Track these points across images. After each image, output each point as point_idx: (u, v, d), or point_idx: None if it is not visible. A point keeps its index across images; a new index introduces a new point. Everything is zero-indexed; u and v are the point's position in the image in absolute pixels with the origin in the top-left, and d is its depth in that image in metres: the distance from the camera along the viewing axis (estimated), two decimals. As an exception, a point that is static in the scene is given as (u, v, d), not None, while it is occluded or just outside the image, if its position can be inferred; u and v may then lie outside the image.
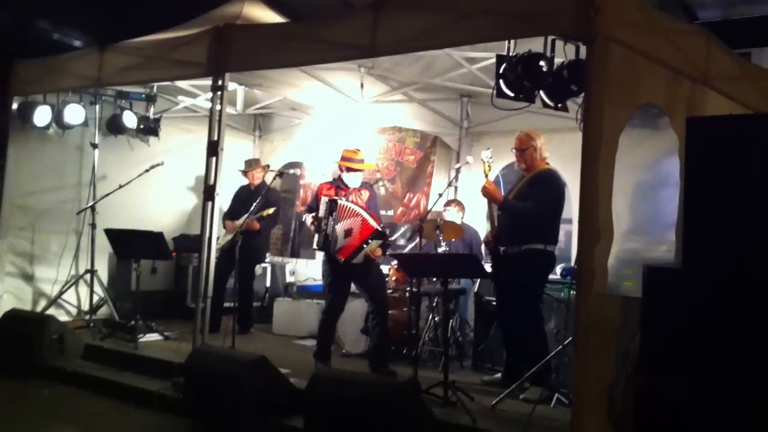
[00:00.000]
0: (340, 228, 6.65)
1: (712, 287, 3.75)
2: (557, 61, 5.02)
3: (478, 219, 8.20)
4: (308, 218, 6.91)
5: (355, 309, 7.43)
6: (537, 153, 6.28)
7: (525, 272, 6.11)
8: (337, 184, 6.92)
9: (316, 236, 6.78)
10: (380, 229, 6.72)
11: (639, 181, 5.16)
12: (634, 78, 4.63)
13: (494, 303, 6.83)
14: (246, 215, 7.75)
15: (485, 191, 6.17)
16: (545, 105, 5.19)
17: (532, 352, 6.01)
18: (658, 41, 4.85)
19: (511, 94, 5.13)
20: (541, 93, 5.10)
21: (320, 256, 9.05)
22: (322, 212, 6.73)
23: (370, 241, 6.63)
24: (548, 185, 6.23)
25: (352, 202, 6.75)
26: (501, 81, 5.12)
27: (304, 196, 10.16)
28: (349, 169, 6.87)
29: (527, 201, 6.13)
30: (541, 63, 4.96)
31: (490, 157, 6.28)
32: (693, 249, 3.91)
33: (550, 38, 4.99)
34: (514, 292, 6.17)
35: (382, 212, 9.06)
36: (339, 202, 6.70)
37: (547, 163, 6.36)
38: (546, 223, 6.18)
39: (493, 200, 6.20)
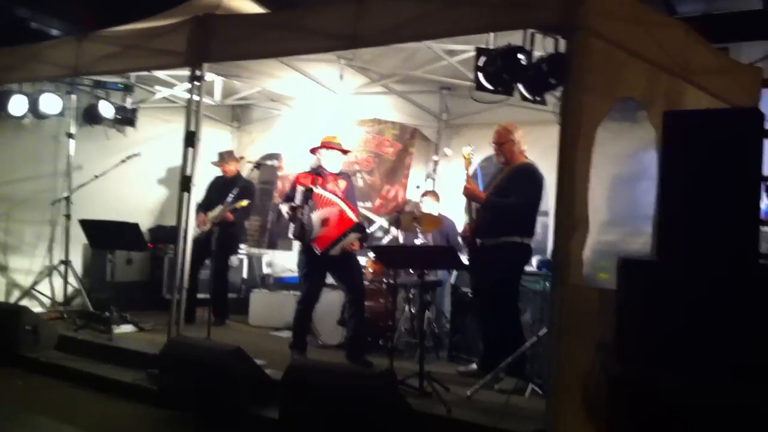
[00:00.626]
0: (316, 217, 6.62)
1: (686, 279, 3.78)
2: (536, 54, 5.03)
3: (455, 210, 8.22)
4: (284, 207, 6.88)
5: (332, 300, 7.42)
6: (515, 146, 6.31)
7: (503, 265, 6.13)
8: (316, 172, 6.90)
9: (292, 225, 6.76)
10: (359, 223, 6.71)
11: (617, 174, 5.20)
12: (613, 71, 4.66)
13: (470, 294, 6.85)
14: (220, 207, 7.71)
15: (467, 191, 6.20)
16: (524, 98, 5.19)
17: (508, 343, 6.04)
18: (638, 34, 4.88)
19: (491, 87, 5.14)
20: (520, 86, 5.10)
21: (297, 247, 9.06)
22: (297, 201, 6.71)
23: (348, 234, 6.62)
24: (529, 179, 6.26)
25: (329, 191, 6.74)
26: (480, 74, 5.12)
27: (282, 187, 10.12)
28: (329, 147, 6.85)
29: (509, 195, 6.14)
30: (520, 56, 4.98)
31: (471, 153, 6.30)
32: (667, 241, 3.95)
33: (529, 32, 5.00)
34: (491, 283, 6.18)
35: (360, 203, 9.05)
36: (315, 190, 6.68)
37: (526, 157, 6.38)
38: (525, 216, 6.22)
39: (476, 200, 6.22)
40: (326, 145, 6.87)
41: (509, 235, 6.13)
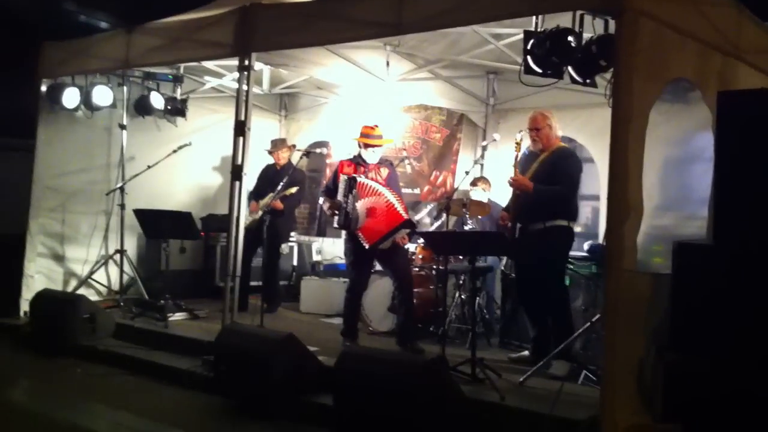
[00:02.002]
0: (360, 206, 6.64)
1: (743, 264, 3.71)
2: (586, 36, 4.96)
3: (503, 196, 8.15)
4: (325, 204, 6.94)
5: (382, 287, 7.45)
6: (552, 131, 6.28)
7: (550, 249, 6.10)
8: (357, 161, 6.93)
9: (336, 215, 6.79)
10: (409, 220, 6.72)
11: (670, 157, 5.11)
12: (664, 52, 4.56)
13: (515, 280, 6.80)
14: (271, 194, 7.77)
15: (515, 184, 6.15)
16: (573, 81, 5.13)
17: (559, 328, 6.02)
18: (688, 14, 4.77)
19: (539, 71, 5.08)
20: (570, 69, 5.04)
21: (345, 235, 9.13)
22: (341, 190, 6.74)
23: (398, 229, 6.64)
24: (573, 164, 6.24)
25: (372, 179, 6.75)
26: (529, 57, 5.06)
27: (330, 175, 10.16)
28: (366, 146, 6.87)
29: (554, 181, 6.08)
30: (570, 38, 4.90)
31: (521, 139, 6.27)
32: (724, 225, 3.87)
33: (578, 13, 4.92)
34: (539, 269, 6.14)
35: (408, 191, 9.06)
36: (358, 179, 6.70)
37: (561, 141, 6.37)
38: (569, 200, 6.20)
39: (525, 190, 6.14)
40: (366, 144, 6.87)
41: (555, 219, 6.10)
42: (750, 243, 3.72)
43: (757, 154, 3.79)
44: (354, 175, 6.77)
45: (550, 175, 6.13)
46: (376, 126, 6.97)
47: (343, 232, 7.04)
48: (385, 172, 6.90)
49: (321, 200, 7.08)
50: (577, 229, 10.21)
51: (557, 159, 6.22)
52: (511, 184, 6.22)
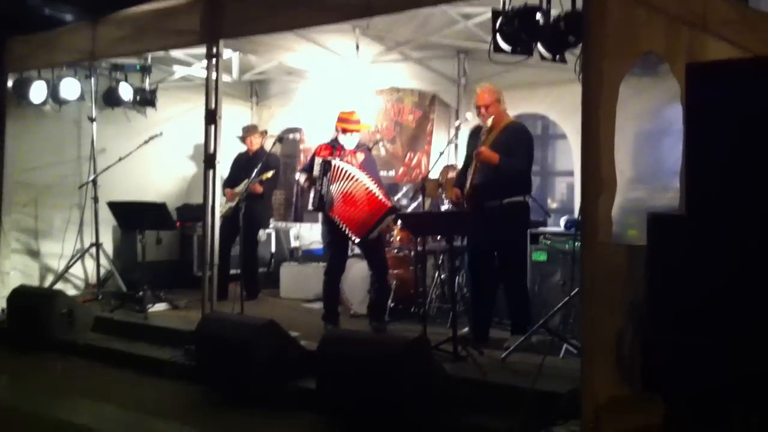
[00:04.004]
0: (335, 189, 6.66)
1: (717, 234, 3.75)
2: (554, 12, 4.98)
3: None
4: (302, 177, 6.97)
5: (361, 270, 7.46)
6: (501, 105, 6.30)
7: (512, 226, 6.20)
8: (333, 145, 6.94)
9: (311, 196, 6.82)
10: (392, 207, 6.75)
11: (641, 130, 5.14)
12: (632, 27, 4.59)
13: (469, 256, 6.80)
14: (246, 181, 7.75)
15: (483, 155, 6.14)
16: (543, 58, 5.16)
17: (521, 301, 6.24)
18: (655, -13, 4.80)
19: (509, 48, 5.10)
20: (539, 45, 5.06)
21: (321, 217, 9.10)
22: (316, 172, 6.78)
23: (384, 218, 6.68)
24: (527, 138, 6.29)
25: (347, 162, 6.76)
26: (498, 35, 5.08)
27: (304, 160, 10.14)
28: (345, 130, 6.88)
29: (510, 155, 6.11)
30: (538, 15, 4.93)
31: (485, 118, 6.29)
32: (696, 196, 3.91)
33: (546, -10, 4.95)
34: (502, 245, 6.23)
35: (384, 173, 9.06)
36: (333, 162, 6.71)
37: (509, 115, 6.43)
38: (526, 175, 6.28)
39: (491, 162, 6.13)
40: (345, 128, 6.90)
41: (513, 196, 6.16)
42: (722, 212, 3.77)
43: (726, 125, 3.82)
44: (329, 158, 6.78)
45: (505, 150, 6.13)
46: (354, 112, 7.00)
47: (320, 215, 7.06)
48: (361, 156, 6.91)
49: (297, 175, 7.08)
50: (553, 205, 10.37)
51: (511, 134, 6.23)
52: (478, 156, 6.20)
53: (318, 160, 6.79)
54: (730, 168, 3.76)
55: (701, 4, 5.24)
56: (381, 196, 6.65)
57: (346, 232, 6.68)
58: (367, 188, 6.64)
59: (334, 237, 6.87)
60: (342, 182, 6.66)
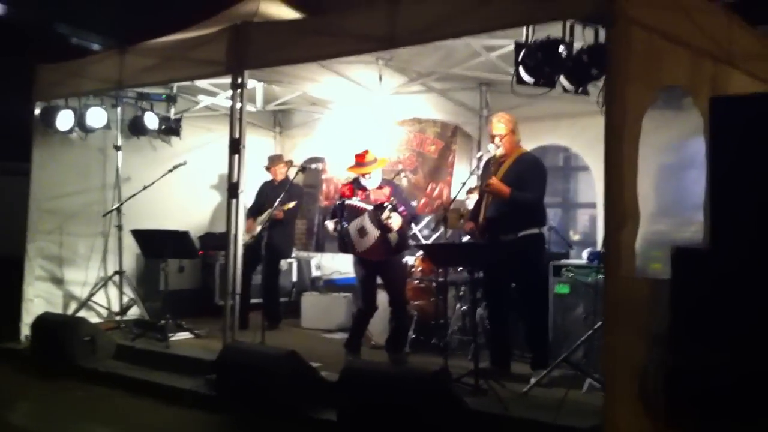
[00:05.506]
0: (352, 228, 6.71)
1: (741, 268, 3.72)
2: (576, 45, 4.99)
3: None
4: (330, 225, 7.00)
5: (383, 302, 7.44)
6: (515, 136, 6.30)
7: (528, 259, 6.16)
8: (357, 186, 6.99)
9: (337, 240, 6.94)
10: (377, 205, 6.70)
11: (664, 163, 5.13)
12: (655, 59, 4.60)
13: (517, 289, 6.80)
14: (269, 210, 7.79)
15: (491, 188, 6.13)
16: (565, 90, 5.16)
17: (540, 335, 6.21)
18: (679, 21, 4.81)
19: (531, 81, 5.10)
20: (562, 78, 5.07)
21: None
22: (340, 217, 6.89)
23: (384, 222, 6.60)
24: (540, 170, 6.28)
25: (372, 201, 6.76)
26: (521, 68, 5.09)
27: (326, 190, 10.19)
28: (363, 174, 6.90)
29: (523, 187, 6.10)
30: (561, 48, 4.94)
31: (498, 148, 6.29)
32: (720, 230, 3.88)
33: (568, 23, 4.96)
34: (519, 278, 6.26)
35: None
36: (346, 202, 6.81)
37: (522, 146, 6.41)
38: (540, 207, 6.27)
39: (501, 195, 6.12)
40: (357, 171, 6.91)
41: (528, 228, 6.14)
42: (746, 246, 3.74)
43: (750, 158, 3.80)
44: (343, 198, 6.88)
45: (517, 182, 6.12)
46: (367, 151, 6.95)
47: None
48: (387, 191, 6.90)
49: (326, 222, 7.11)
50: (575, 237, 10.32)
51: (524, 165, 6.22)
52: (486, 188, 6.19)
53: (336, 204, 6.94)
54: (754, 201, 3.74)
55: (726, 38, 5.24)
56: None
57: (371, 259, 6.73)
58: (368, 211, 6.70)
59: (365, 272, 6.90)
60: (356, 220, 6.72)
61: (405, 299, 7.07)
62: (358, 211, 6.75)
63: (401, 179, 9.28)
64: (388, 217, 6.52)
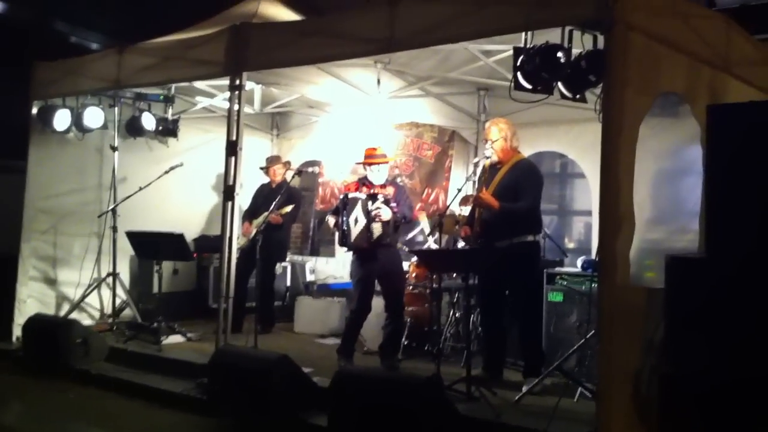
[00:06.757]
0: (351, 218, 6.77)
1: (736, 277, 3.70)
2: (575, 51, 4.98)
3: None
4: (331, 219, 6.98)
5: (377, 307, 7.41)
6: (507, 143, 6.26)
7: (523, 266, 6.12)
8: (362, 182, 6.99)
9: (337, 234, 6.90)
10: (365, 196, 6.75)
11: (660, 171, 5.12)
12: (653, 66, 4.58)
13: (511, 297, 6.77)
14: (266, 213, 7.76)
15: (480, 201, 6.12)
16: (563, 96, 5.14)
17: (533, 342, 6.16)
18: (677, 28, 4.80)
19: (529, 86, 5.08)
20: (560, 84, 5.04)
21: (340, 254, 9.10)
22: (340, 210, 6.87)
23: (370, 213, 6.65)
24: (535, 177, 6.25)
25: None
26: (519, 73, 5.07)
27: (323, 194, 10.18)
28: (371, 164, 6.91)
29: (517, 195, 6.08)
30: (559, 54, 4.91)
31: (487, 157, 6.26)
32: (716, 238, 3.87)
33: (567, 29, 4.94)
34: (513, 285, 6.21)
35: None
36: (349, 195, 6.84)
37: (519, 152, 6.37)
38: (535, 215, 6.23)
39: (490, 208, 6.09)
40: (371, 162, 6.92)
41: (522, 235, 6.11)
42: (742, 255, 3.72)
43: (746, 166, 3.79)
44: (347, 193, 6.86)
45: (512, 190, 6.11)
46: (379, 147, 7.05)
47: (340, 251, 7.09)
48: (391, 190, 6.93)
49: (328, 217, 7.12)
50: (570, 244, 10.28)
51: (519, 172, 6.20)
52: (475, 202, 6.18)
53: (341, 197, 6.88)
54: (750, 210, 3.72)
55: (724, 45, 5.23)
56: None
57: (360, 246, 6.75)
58: (361, 201, 6.75)
59: (364, 273, 6.87)
60: (353, 211, 6.74)
61: (403, 306, 7.04)
62: (356, 202, 6.79)
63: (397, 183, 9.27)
64: (378, 208, 6.57)
